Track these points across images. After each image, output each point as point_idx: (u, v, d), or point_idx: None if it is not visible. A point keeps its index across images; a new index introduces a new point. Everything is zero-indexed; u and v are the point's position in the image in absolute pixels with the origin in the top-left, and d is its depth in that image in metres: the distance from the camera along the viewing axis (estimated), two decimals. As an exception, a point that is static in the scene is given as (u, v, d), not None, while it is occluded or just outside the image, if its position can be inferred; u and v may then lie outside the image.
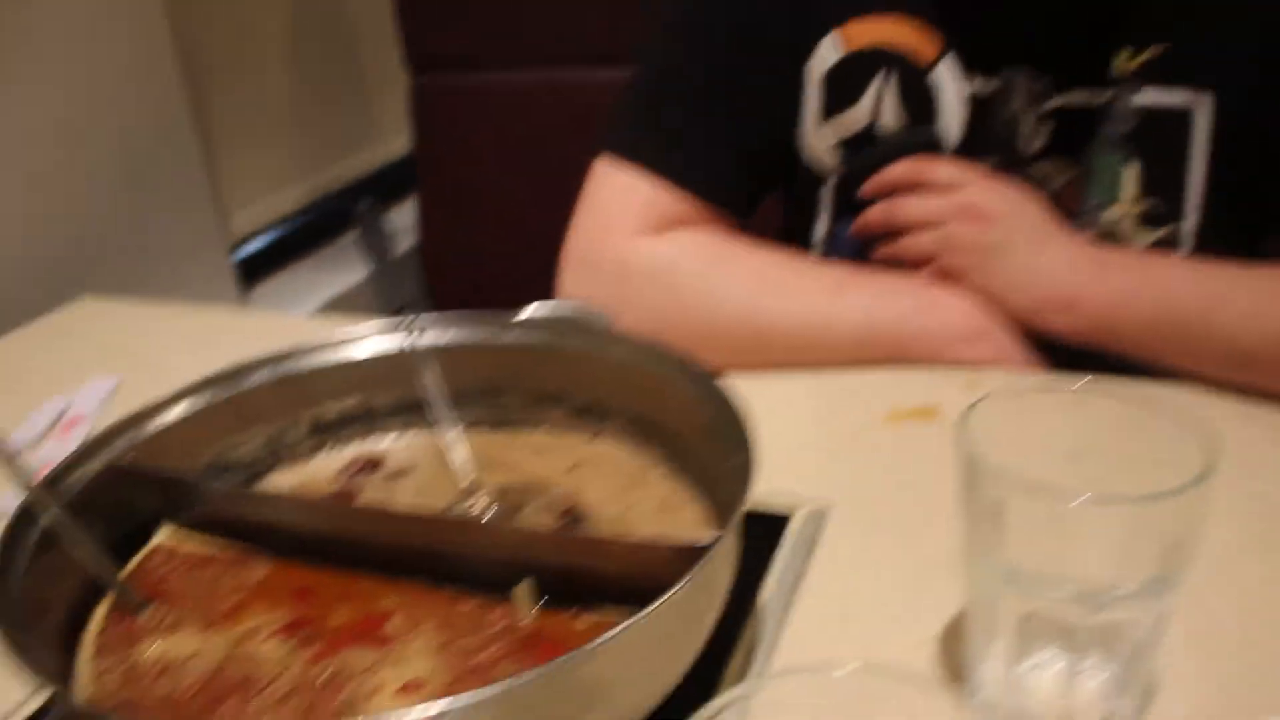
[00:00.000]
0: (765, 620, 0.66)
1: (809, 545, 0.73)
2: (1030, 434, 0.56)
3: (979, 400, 0.56)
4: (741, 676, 0.62)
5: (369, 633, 0.61)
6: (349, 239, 1.98)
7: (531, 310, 0.79)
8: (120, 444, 0.70)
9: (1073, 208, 0.98)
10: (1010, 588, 0.54)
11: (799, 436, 0.86)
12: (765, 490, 0.77)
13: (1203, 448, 0.51)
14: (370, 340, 0.79)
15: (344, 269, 1.90)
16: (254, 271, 1.84)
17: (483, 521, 0.70)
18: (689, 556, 0.52)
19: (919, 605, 0.67)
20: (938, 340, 0.95)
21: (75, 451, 0.68)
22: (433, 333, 0.79)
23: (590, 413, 0.78)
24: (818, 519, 0.75)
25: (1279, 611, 0.66)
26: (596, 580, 0.60)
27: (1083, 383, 0.57)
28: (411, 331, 0.79)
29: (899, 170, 0.98)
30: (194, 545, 0.71)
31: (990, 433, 0.54)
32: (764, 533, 0.73)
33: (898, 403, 0.90)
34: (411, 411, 0.81)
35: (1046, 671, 0.59)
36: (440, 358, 0.78)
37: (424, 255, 1.84)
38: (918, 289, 0.97)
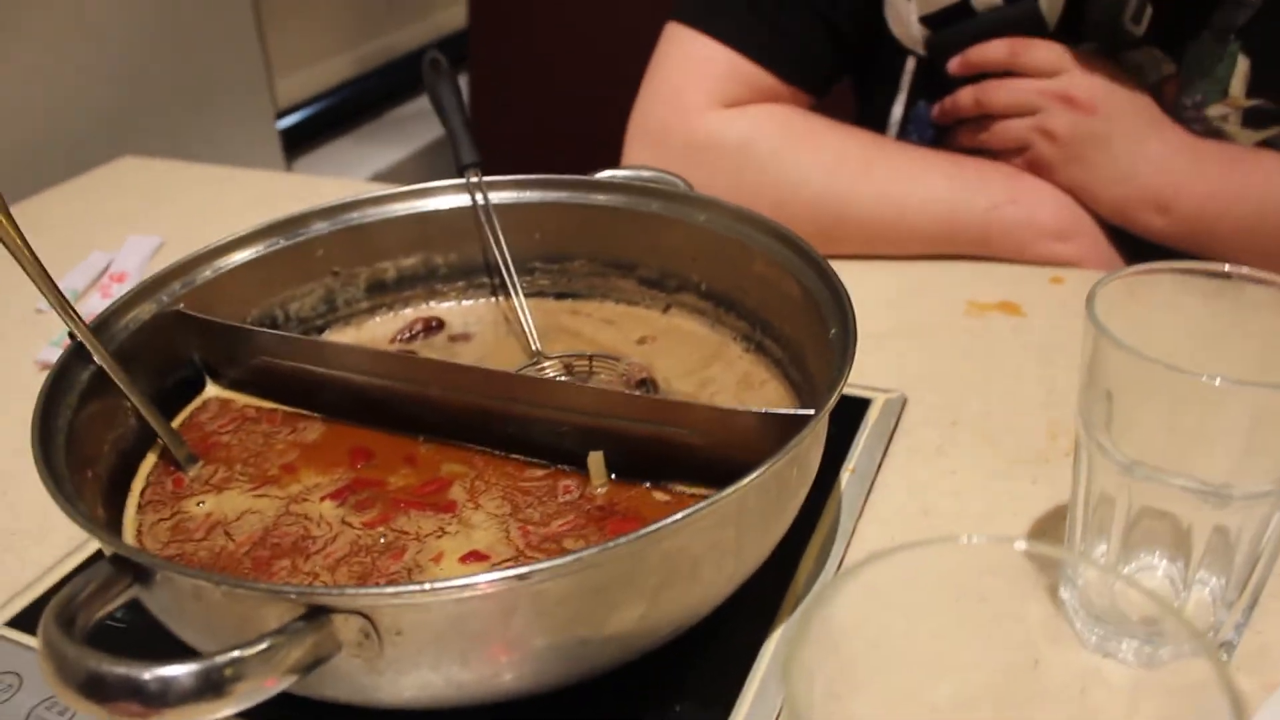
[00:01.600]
0: (844, 507, 0.63)
1: (887, 433, 0.69)
2: (1159, 318, 0.52)
3: (1108, 277, 0.51)
4: (819, 563, 0.58)
5: (431, 498, 0.58)
6: (395, 114, 1.93)
7: (602, 175, 0.75)
8: (171, 291, 0.67)
9: (1172, 102, 0.92)
10: (1127, 478, 0.50)
11: (879, 323, 0.81)
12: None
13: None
14: (436, 196, 0.75)
15: (389, 144, 1.85)
16: (297, 142, 1.79)
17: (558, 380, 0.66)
18: (785, 427, 0.48)
19: (999, 501, 0.64)
20: (1025, 234, 0.90)
21: (124, 296, 0.65)
22: (500, 192, 0.75)
23: (664, 283, 0.73)
24: (896, 407, 0.71)
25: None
26: (674, 453, 0.56)
27: (1222, 267, 0.52)
28: (479, 189, 0.74)
29: (994, 49, 0.92)
30: (244, 401, 0.68)
31: (1117, 313, 0.50)
32: (843, 417, 0.69)
33: (979, 296, 0.86)
34: (474, 274, 0.77)
35: (1150, 578, 0.55)
36: (508, 217, 0.74)
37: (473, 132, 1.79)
38: (1006, 178, 0.91)
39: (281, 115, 1.73)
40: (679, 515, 0.43)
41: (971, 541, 0.35)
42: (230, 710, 0.40)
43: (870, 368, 0.76)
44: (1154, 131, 0.88)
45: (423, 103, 1.94)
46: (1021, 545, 0.35)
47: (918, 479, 0.66)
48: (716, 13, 0.97)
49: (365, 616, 0.42)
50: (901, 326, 0.82)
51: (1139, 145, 0.87)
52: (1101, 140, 0.88)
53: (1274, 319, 0.51)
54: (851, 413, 0.70)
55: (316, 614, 0.42)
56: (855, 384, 0.73)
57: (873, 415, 0.70)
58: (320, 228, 0.73)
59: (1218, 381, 0.45)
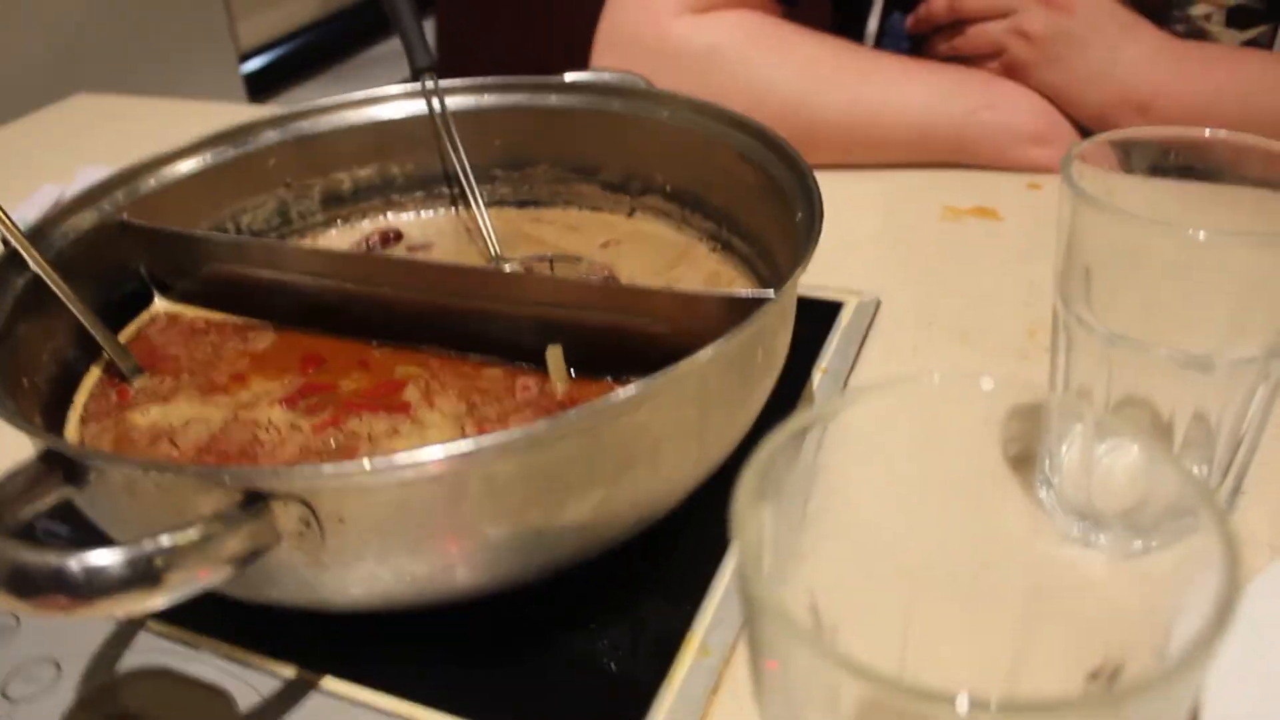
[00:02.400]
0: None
1: (860, 335, 0.67)
2: (1139, 184, 0.49)
3: (1086, 141, 0.49)
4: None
5: (384, 400, 0.56)
6: (363, 56, 1.88)
7: (568, 77, 0.72)
8: (113, 200, 0.64)
9: (1156, 2, 0.90)
10: (1108, 351, 0.47)
11: (852, 230, 0.79)
12: (816, 279, 0.71)
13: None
14: (390, 103, 0.72)
15: (359, 87, 1.81)
16: (263, 86, 1.75)
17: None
18: (749, 311, 0.46)
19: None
20: (1002, 140, 0.88)
21: (63, 204, 0.62)
22: (458, 97, 0.72)
23: (628, 185, 0.71)
24: (869, 309, 0.69)
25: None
26: (636, 345, 0.53)
27: (1202, 132, 0.50)
28: (435, 95, 0.71)
29: None
30: (194, 313, 0.65)
31: (1096, 182, 0.47)
32: (815, 320, 0.67)
33: (955, 201, 0.83)
34: (433, 184, 0.74)
35: (1122, 458, 0.53)
36: (466, 122, 0.71)
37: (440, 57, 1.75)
38: (983, 83, 0.89)
39: (245, 58, 1.69)
40: (633, 388, 0.40)
41: (943, 383, 0.33)
42: (163, 602, 0.38)
43: (844, 272, 0.73)
44: (1131, 32, 0.85)
45: (393, 44, 1.90)
46: (1010, 391, 0.33)
47: (893, 378, 0.63)
48: None
49: (304, 503, 0.40)
50: (876, 232, 0.80)
51: (1116, 45, 0.85)
52: (1078, 41, 0.85)
53: (1256, 187, 0.48)
54: (824, 315, 0.68)
55: (253, 500, 0.40)
56: (828, 286, 0.71)
57: (845, 316, 0.68)
58: (271, 137, 0.70)
59: (1201, 235, 0.42)
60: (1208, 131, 0.49)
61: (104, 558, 0.37)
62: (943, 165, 0.89)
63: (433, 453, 0.38)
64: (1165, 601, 0.31)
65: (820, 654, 0.24)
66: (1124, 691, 0.24)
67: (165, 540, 0.38)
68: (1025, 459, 0.36)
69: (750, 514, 0.27)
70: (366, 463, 0.38)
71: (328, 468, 0.39)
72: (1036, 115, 0.88)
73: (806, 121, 0.88)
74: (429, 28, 1.80)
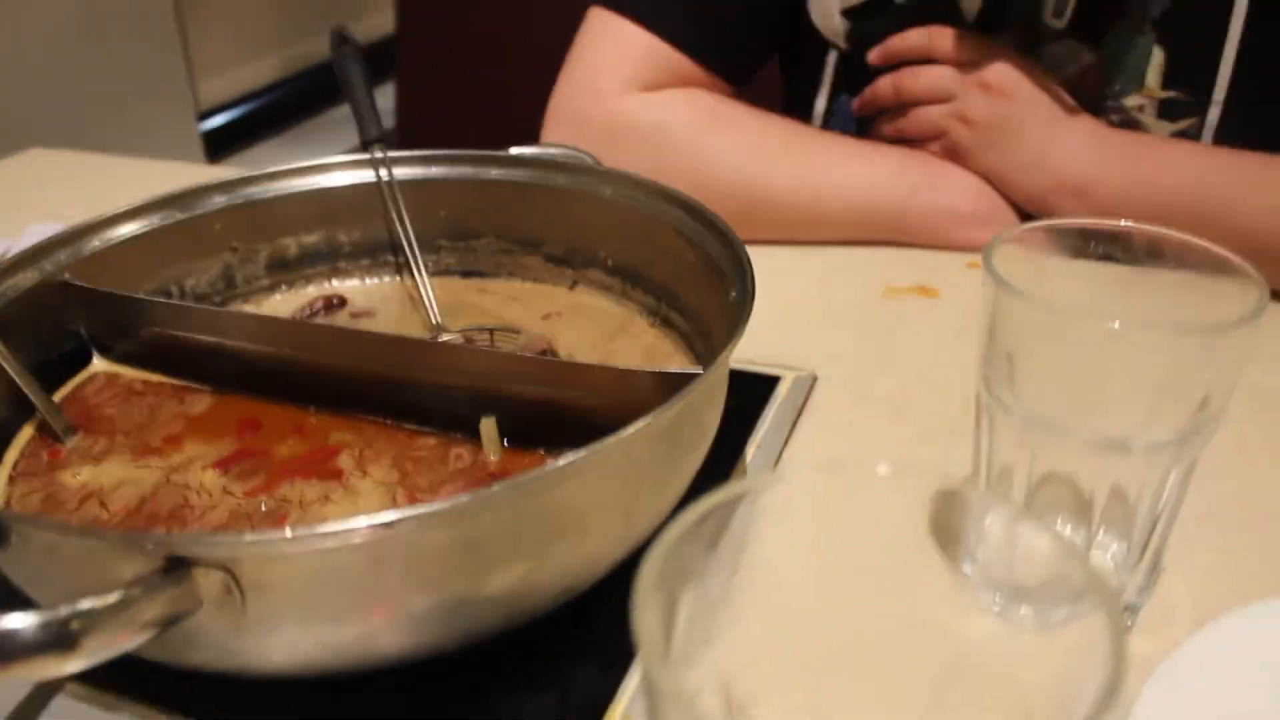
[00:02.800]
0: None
1: (795, 410, 0.68)
2: (1059, 274, 0.51)
3: (1006, 233, 0.50)
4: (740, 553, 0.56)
5: (317, 466, 0.56)
6: (323, 117, 1.90)
7: (513, 151, 0.73)
8: (55, 260, 0.64)
9: (1091, 93, 0.92)
10: (1029, 434, 0.49)
11: (792, 305, 0.80)
12: (754, 353, 0.72)
13: (1249, 291, 0.46)
14: (338, 171, 0.73)
15: (316, 147, 1.83)
16: (222, 145, 1.76)
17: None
18: (676, 384, 0.47)
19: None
20: (942, 221, 0.90)
21: (4, 262, 0.62)
22: (405, 167, 0.73)
23: (571, 259, 0.72)
24: (805, 384, 0.70)
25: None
26: (569, 417, 0.54)
27: (1118, 223, 0.51)
28: (383, 164, 0.72)
29: (912, 37, 0.92)
30: (133, 375, 0.65)
31: (1017, 270, 0.49)
32: (751, 394, 0.68)
33: (896, 279, 0.85)
34: (379, 252, 0.75)
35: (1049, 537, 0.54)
36: (412, 192, 0.72)
37: (399, 134, 1.77)
38: (924, 164, 0.91)
39: (204, 116, 1.69)
40: (559, 463, 0.41)
41: (869, 475, 0.34)
42: (78, 666, 0.38)
43: (782, 347, 0.75)
44: (1068, 119, 0.88)
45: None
46: (929, 482, 0.34)
47: (825, 454, 0.64)
48: None
49: (226, 570, 0.40)
50: (817, 309, 0.81)
51: (1053, 132, 0.87)
52: (1016, 126, 0.88)
53: (1174, 275, 0.50)
54: (760, 390, 0.69)
55: (175, 566, 0.40)
56: (765, 362, 0.72)
57: (781, 391, 0.69)
58: (218, 201, 0.71)
59: (1116, 324, 0.44)
60: (1125, 223, 0.50)
61: (18, 621, 0.37)
62: (885, 244, 0.90)
63: (355, 523, 0.39)
64: (1070, 683, 0.32)
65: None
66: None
67: (83, 605, 0.38)
68: (949, 536, 0.37)
69: (650, 598, 0.28)
70: (288, 531, 0.39)
71: (249, 536, 0.39)
72: (978, 197, 0.90)
73: (751, 199, 0.90)
74: (389, 95, 1.82)
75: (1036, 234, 0.51)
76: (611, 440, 0.42)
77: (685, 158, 0.91)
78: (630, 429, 0.43)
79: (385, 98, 1.91)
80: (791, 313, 0.80)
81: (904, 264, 0.87)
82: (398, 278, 0.75)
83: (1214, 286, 0.48)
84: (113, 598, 0.38)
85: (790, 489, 0.32)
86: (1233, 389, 0.47)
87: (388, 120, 1.93)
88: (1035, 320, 0.47)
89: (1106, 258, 0.52)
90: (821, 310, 0.81)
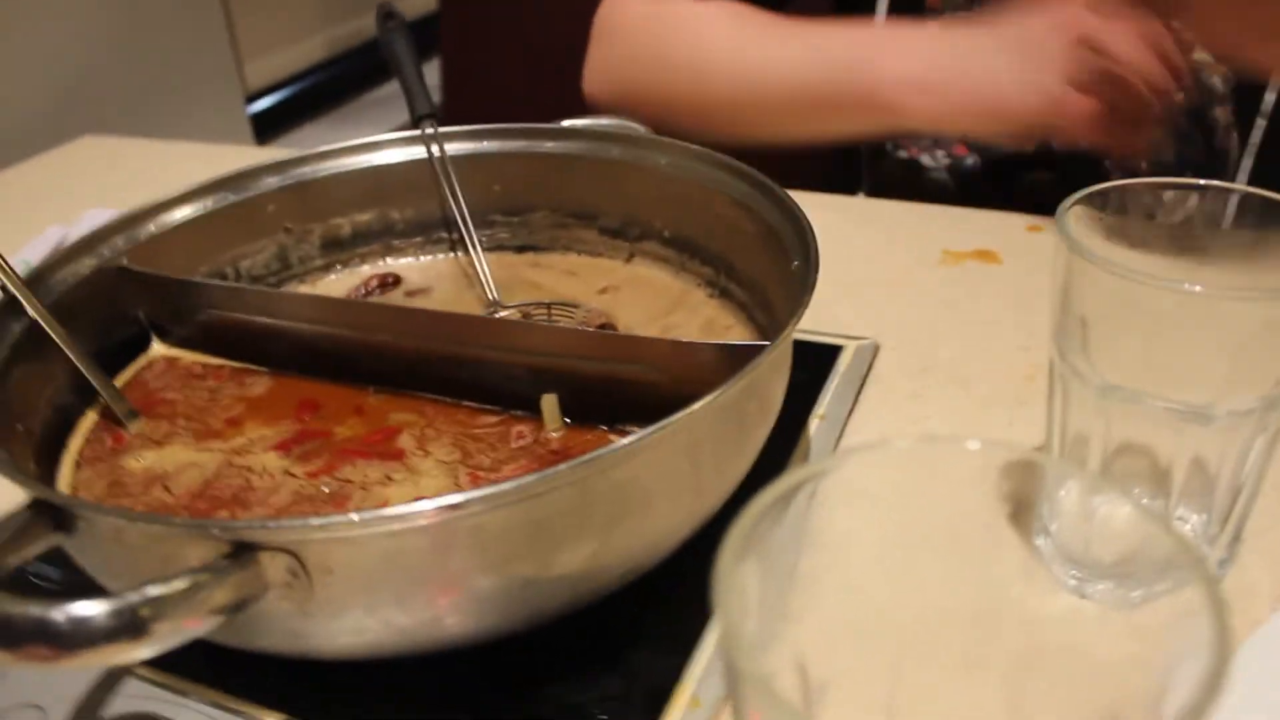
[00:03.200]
0: (813, 453, 0.60)
1: (859, 380, 0.66)
2: (1135, 234, 0.49)
3: (1076, 196, 0.48)
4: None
5: (378, 447, 0.55)
6: (369, 96, 1.90)
7: (565, 124, 0.72)
8: (113, 246, 0.64)
9: None
10: (1104, 403, 0.47)
11: (850, 273, 0.79)
12: (815, 322, 0.71)
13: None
14: (391, 149, 0.73)
15: (363, 127, 1.82)
16: (269, 126, 1.76)
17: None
18: (744, 360, 0.46)
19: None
20: (884, 85, 0.82)
21: (63, 250, 0.62)
22: (458, 143, 0.72)
23: (627, 231, 0.71)
24: (868, 354, 0.69)
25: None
26: (631, 392, 0.53)
27: (1192, 181, 0.50)
28: (434, 141, 0.72)
29: None
30: (192, 358, 0.65)
31: (1091, 232, 0.47)
32: (813, 364, 0.67)
33: (954, 243, 0.83)
34: (432, 229, 0.74)
35: (1121, 508, 0.53)
36: (465, 168, 0.71)
37: (444, 111, 1.76)
38: (875, 35, 0.87)
39: (252, 99, 1.70)
40: (625, 441, 0.40)
41: (934, 445, 0.33)
42: (148, 652, 0.38)
43: (842, 316, 0.73)
44: None
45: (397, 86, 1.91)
46: (1000, 453, 0.32)
47: (889, 425, 0.63)
48: None
49: (292, 554, 0.40)
50: (875, 276, 0.80)
51: None
52: None
53: (1251, 232, 0.48)
54: (822, 360, 0.68)
55: (241, 551, 0.39)
56: (827, 332, 0.71)
57: (844, 362, 0.68)
58: (271, 183, 0.70)
59: (1198, 289, 0.42)
60: (1201, 181, 0.49)
61: (89, 609, 0.37)
62: (934, 202, 0.89)
63: (420, 506, 0.38)
64: (1158, 663, 0.31)
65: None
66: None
67: (151, 591, 0.38)
68: (1021, 510, 0.36)
69: (732, 579, 0.27)
70: (354, 515, 0.38)
71: (315, 520, 0.39)
72: (924, 63, 0.82)
73: (741, 86, 0.88)
74: (433, 70, 1.81)
75: (1108, 193, 0.50)
76: (678, 417, 0.41)
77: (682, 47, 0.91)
78: (697, 405, 0.42)
79: (430, 74, 1.91)
80: (849, 280, 0.78)
81: (961, 227, 0.86)
82: (452, 254, 0.75)
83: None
84: (181, 584, 0.38)
85: (858, 467, 0.31)
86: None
87: (433, 97, 1.92)
88: (1110, 285, 0.45)
89: (1182, 217, 0.51)
90: (880, 277, 0.80)
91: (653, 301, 0.67)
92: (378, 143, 0.73)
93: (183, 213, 0.67)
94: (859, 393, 0.65)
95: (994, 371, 0.68)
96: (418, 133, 0.72)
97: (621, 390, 0.53)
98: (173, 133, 1.51)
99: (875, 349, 0.70)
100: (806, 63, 0.87)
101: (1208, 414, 0.46)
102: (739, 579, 0.28)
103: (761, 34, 0.89)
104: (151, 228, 0.66)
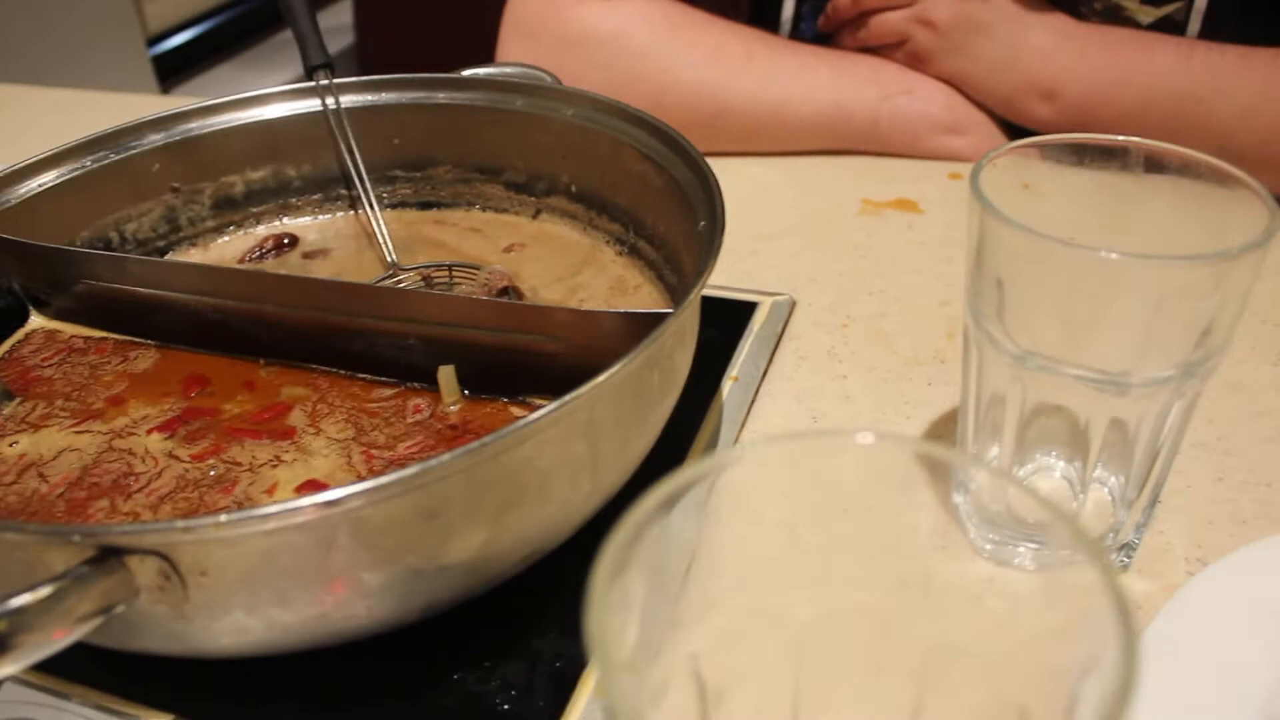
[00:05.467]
0: (725, 417, 0.58)
1: (774, 338, 0.64)
2: (1051, 195, 0.47)
3: (993, 154, 0.46)
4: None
5: (268, 425, 0.53)
6: (284, 36, 1.83)
7: (466, 73, 0.69)
8: (-19, 211, 0.60)
9: None
10: (1020, 370, 0.46)
11: (767, 224, 0.77)
12: (728, 278, 0.69)
13: (1256, 210, 0.43)
14: (281, 101, 0.69)
15: (274, 70, 1.76)
16: (174, 70, 1.69)
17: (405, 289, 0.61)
18: (642, 325, 0.43)
19: (893, 405, 0.59)
20: (918, 126, 0.86)
21: (-75, 218, 0.58)
22: (355, 95, 0.69)
23: (533, 186, 0.68)
24: (784, 310, 0.67)
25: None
26: (532, 364, 0.51)
27: (1115, 138, 0.48)
28: (329, 92, 0.68)
29: None
30: (72, 331, 0.62)
31: (1006, 193, 0.45)
32: (727, 322, 0.65)
33: (874, 193, 0.81)
34: (330, 186, 0.71)
35: (1047, 479, 0.51)
36: (362, 121, 0.68)
37: (359, 55, 1.71)
38: (893, 72, 0.87)
39: (154, 42, 1.63)
40: (515, 425, 0.38)
41: (851, 440, 0.30)
42: (14, 667, 0.35)
43: (758, 271, 0.71)
44: (1036, 18, 0.84)
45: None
46: (909, 448, 0.31)
47: (806, 385, 0.61)
48: None
49: (162, 556, 0.37)
50: (792, 227, 0.77)
51: (1021, 31, 0.83)
52: (983, 27, 0.83)
53: (1172, 192, 0.47)
54: (736, 318, 0.66)
55: (106, 555, 0.37)
56: (741, 288, 0.69)
57: (758, 320, 0.65)
58: (154, 139, 0.66)
59: (1114, 256, 0.40)
60: (1121, 138, 0.47)
61: (-61, 626, 0.34)
62: (856, 153, 0.87)
63: (295, 503, 0.36)
64: (1069, 646, 0.29)
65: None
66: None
67: (12, 603, 0.35)
68: (932, 505, 0.34)
69: (607, 599, 0.25)
70: (223, 516, 0.35)
71: (180, 523, 0.36)
72: (953, 103, 0.86)
73: (714, 106, 0.86)
74: (346, 10, 1.75)
75: (1027, 150, 0.48)
76: (572, 396, 0.39)
77: (645, 66, 0.87)
78: (593, 382, 0.40)
79: (343, 13, 1.84)
80: (766, 232, 0.76)
81: (881, 176, 0.84)
82: (352, 212, 0.71)
83: (1216, 204, 0.45)
84: (42, 593, 0.35)
85: (756, 463, 0.29)
86: (1238, 318, 0.44)
87: (347, 38, 1.87)
88: (1025, 247, 0.43)
89: (1101, 174, 0.49)
90: (798, 228, 0.77)
91: (560, 260, 0.64)
92: (269, 95, 0.69)
93: (57, 173, 0.63)
94: (774, 352, 0.64)
95: (914, 327, 0.66)
96: (311, 84, 0.68)
97: (522, 360, 0.51)
98: (69, 78, 1.44)
99: (792, 305, 0.68)
100: (840, 90, 0.87)
101: (1124, 382, 0.44)
102: (619, 590, 0.26)
103: (780, 57, 0.88)
104: (22, 190, 0.62)
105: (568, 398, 0.39)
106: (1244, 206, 0.43)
